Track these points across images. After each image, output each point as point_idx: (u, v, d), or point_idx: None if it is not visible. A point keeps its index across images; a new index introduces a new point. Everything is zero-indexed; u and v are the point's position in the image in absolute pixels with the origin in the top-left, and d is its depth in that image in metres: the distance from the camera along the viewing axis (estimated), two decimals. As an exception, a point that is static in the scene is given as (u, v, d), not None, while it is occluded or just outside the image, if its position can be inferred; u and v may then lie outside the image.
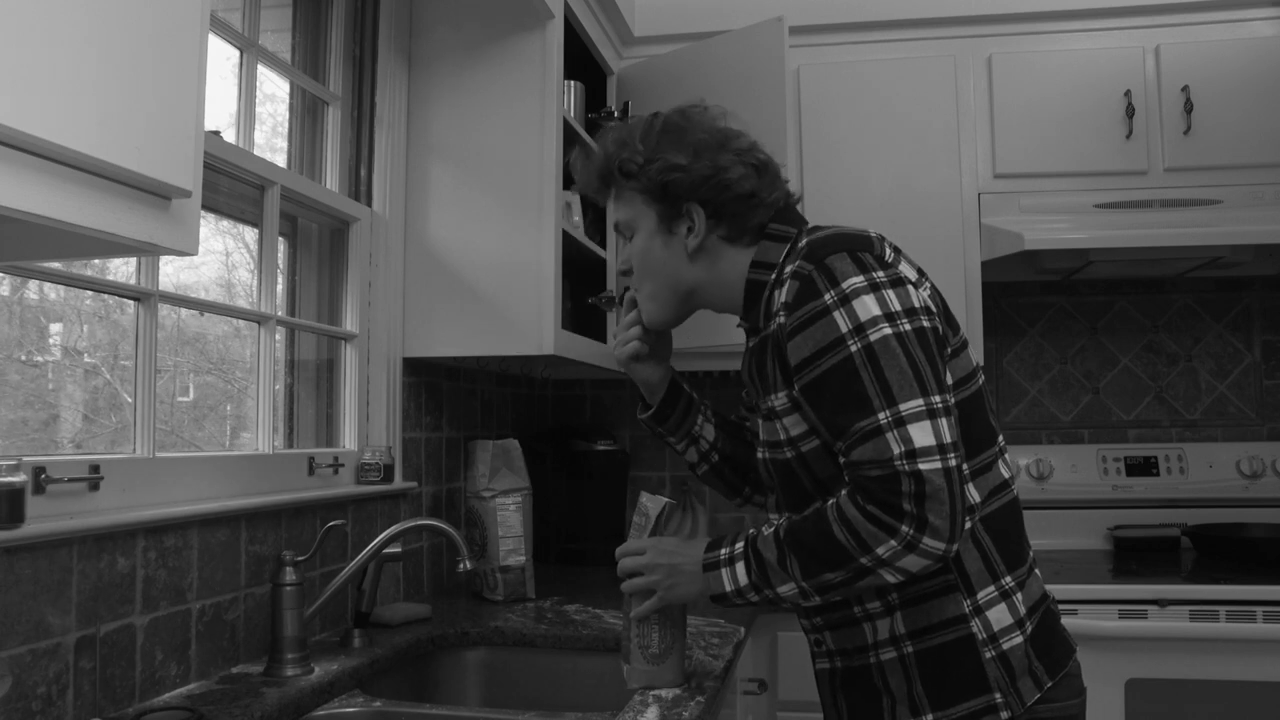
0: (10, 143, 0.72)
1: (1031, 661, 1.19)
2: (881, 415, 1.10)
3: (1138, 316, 2.87)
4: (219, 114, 1.70)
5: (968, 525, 1.16)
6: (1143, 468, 2.72)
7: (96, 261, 1.39)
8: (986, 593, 1.20)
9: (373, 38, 2.09)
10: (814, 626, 1.32)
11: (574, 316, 2.43)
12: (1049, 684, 1.19)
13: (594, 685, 1.73)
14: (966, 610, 1.19)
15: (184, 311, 1.66)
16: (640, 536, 1.35)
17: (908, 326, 1.13)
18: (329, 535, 1.68)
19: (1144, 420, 2.84)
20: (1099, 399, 2.87)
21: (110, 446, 1.48)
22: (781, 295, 1.20)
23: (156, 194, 0.88)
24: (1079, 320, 2.89)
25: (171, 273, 1.57)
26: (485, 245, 2.06)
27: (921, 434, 1.09)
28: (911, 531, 1.08)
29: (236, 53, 1.74)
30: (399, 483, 2.02)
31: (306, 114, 2.00)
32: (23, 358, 1.38)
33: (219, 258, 1.75)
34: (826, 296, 1.15)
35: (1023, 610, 1.21)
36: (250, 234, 1.77)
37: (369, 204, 2.06)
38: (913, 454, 1.08)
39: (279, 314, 1.77)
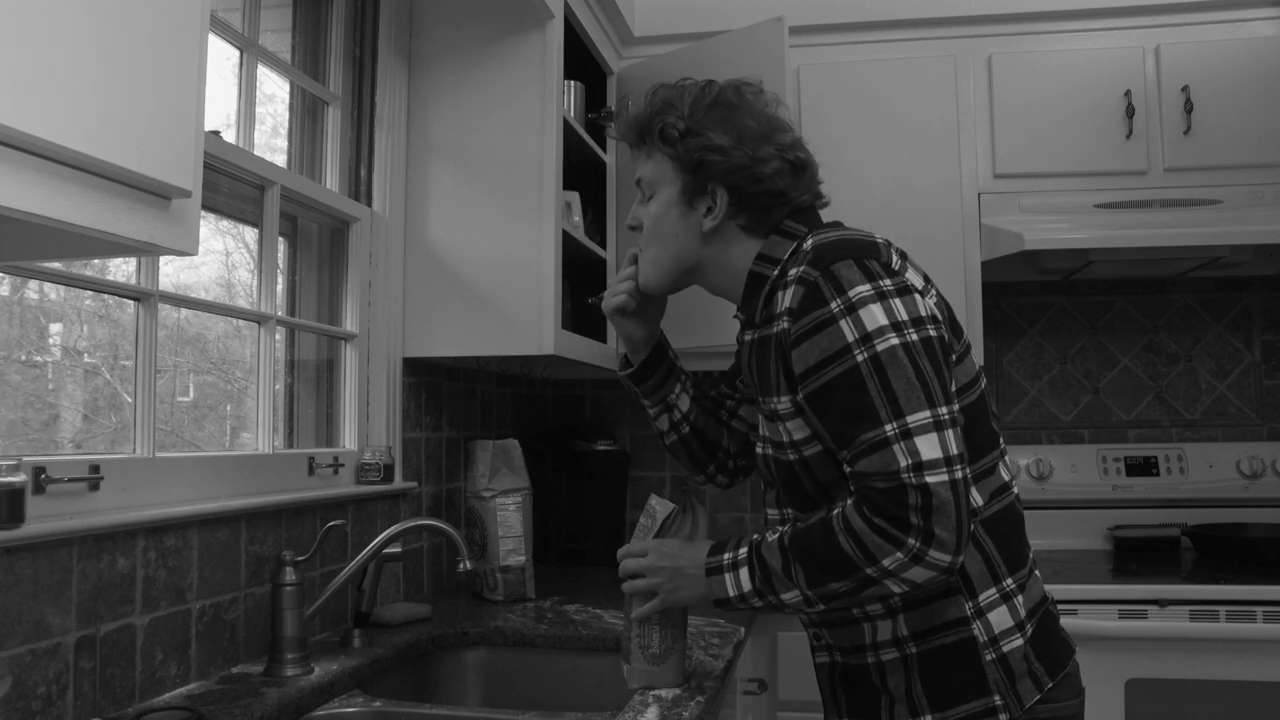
0: (10, 143, 0.72)
1: (1031, 663, 1.19)
2: (889, 427, 1.09)
3: (1138, 316, 2.87)
4: (219, 114, 1.70)
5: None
6: (1143, 468, 2.72)
7: (96, 261, 1.39)
8: (988, 595, 1.20)
9: (373, 38, 2.09)
10: (811, 621, 1.32)
11: (574, 316, 2.43)
12: (1049, 685, 1.19)
13: (594, 685, 1.73)
14: (968, 612, 1.19)
15: (184, 311, 1.66)
16: (644, 539, 1.35)
17: (915, 336, 1.13)
18: (329, 535, 1.68)
19: (1144, 420, 2.84)
20: (1099, 399, 2.87)
21: (110, 446, 1.48)
22: (785, 300, 1.19)
23: (156, 194, 0.88)
24: (1079, 320, 2.89)
25: (171, 273, 1.57)
26: (485, 245, 2.06)
27: (929, 446, 1.08)
28: (918, 544, 1.07)
29: (236, 53, 1.74)
30: (399, 483, 2.02)
31: (306, 114, 2.00)
32: (23, 358, 1.38)
33: (219, 258, 1.75)
34: (833, 305, 1.14)
35: (1023, 612, 1.21)
36: (250, 234, 1.77)
37: (369, 204, 2.06)
38: (920, 467, 1.08)
39: (279, 314, 1.77)
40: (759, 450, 1.33)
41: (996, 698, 1.17)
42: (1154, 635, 2.11)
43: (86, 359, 1.49)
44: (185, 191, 0.90)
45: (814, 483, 1.23)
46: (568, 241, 2.15)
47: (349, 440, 2.01)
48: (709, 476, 1.52)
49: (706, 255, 1.32)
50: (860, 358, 1.12)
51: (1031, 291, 2.91)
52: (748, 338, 1.32)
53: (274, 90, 1.92)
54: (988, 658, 1.18)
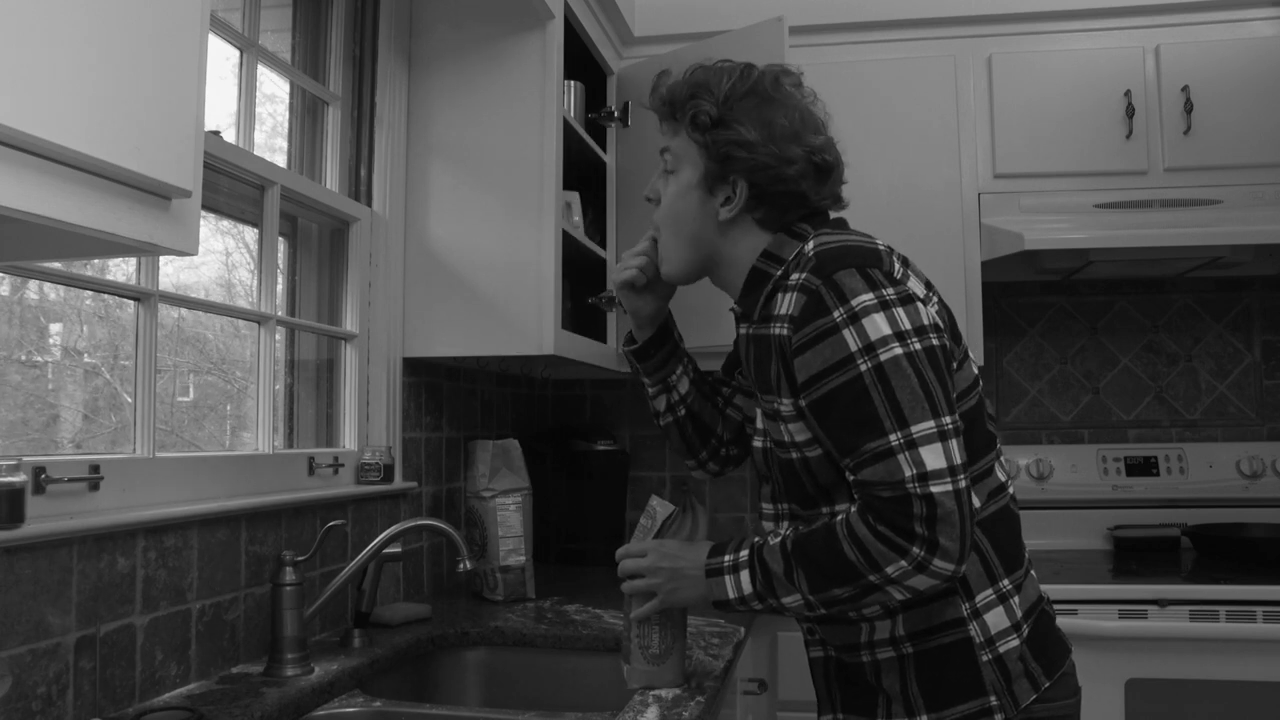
0: (10, 143, 0.72)
1: (1028, 664, 1.19)
2: (893, 437, 1.09)
3: (1138, 316, 2.87)
4: (219, 114, 1.70)
5: None
6: (1143, 468, 2.72)
7: (96, 261, 1.39)
8: (985, 596, 1.20)
9: (373, 38, 2.09)
10: (805, 617, 1.32)
11: (574, 316, 2.43)
12: (1045, 685, 1.20)
13: (594, 685, 1.73)
14: (965, 613, 1.19)
15: (184, 311, 1.66)
16: (644, 539, 1.35)
17: (918, 346, 1.13)
18: (329, 535, 1.68)
19: (1144, 420, 2.84)
20: (1099, 399, 2.87)
21: (110, 446, 1.48)
22: (786, 305, 1.19)
23: (156, 194, 0.88)
24: (1079, 320, 2.89)
25: (171, 273, 1.57)
26: (485, 245, 2.06)
27: (933, 456, 1.08)
28: (922, 553, 1.07)
29: (236, 53, 1.74)
30: (399, 483, 2.02)
31: (306, 114, 2.00)
32: (23, 358, 1.38)
33: (219, 258, 1.75)
34: (835, 314, 1.14)
35: (1019, 613, 1.21)
36: (250, 234, 1.77)
37: (369, 204, 2.06)
38: (924, 477, 1.08)
39: (279, 314, 1.77)
40: (756, 443, 1.33)
41: (992, 698, 1.18)
42: (1154, 635, 2.11)
43: (86, 359, 1.49)
44: (185, 191, 0.90)
45: (814, 483, 1.23)
46: (568, 241, 2.15)
47: (349, 440, 2.01)
48: (700, 463, 1.52)
49: (719, 244, 1.31)
50: (864, 367, 1.11)
51: (1031, 291, 2.91)
52: (744, 331, 1.31)
53: (274, 90, 1.92)
54: (984, 658, 1.18)
